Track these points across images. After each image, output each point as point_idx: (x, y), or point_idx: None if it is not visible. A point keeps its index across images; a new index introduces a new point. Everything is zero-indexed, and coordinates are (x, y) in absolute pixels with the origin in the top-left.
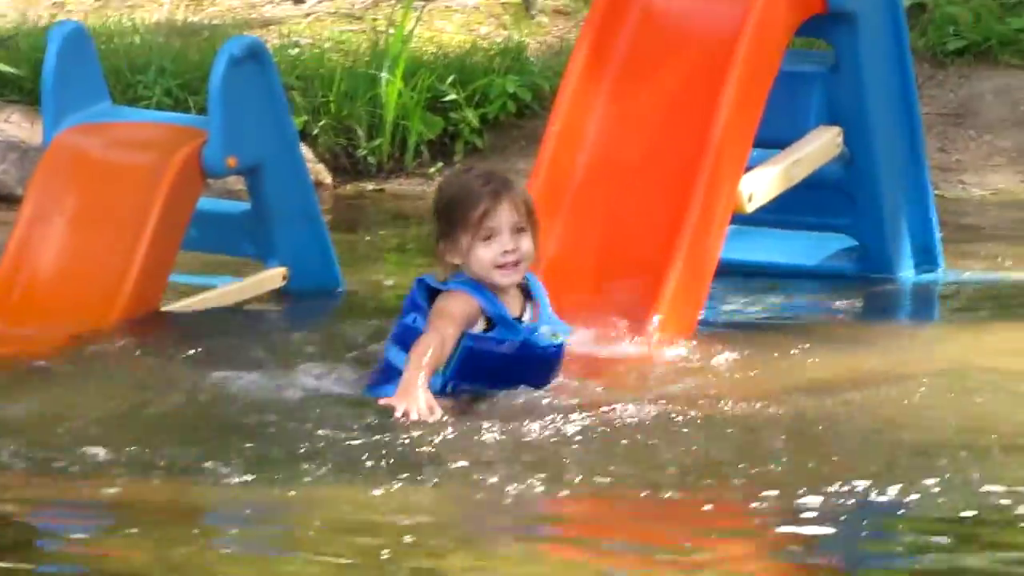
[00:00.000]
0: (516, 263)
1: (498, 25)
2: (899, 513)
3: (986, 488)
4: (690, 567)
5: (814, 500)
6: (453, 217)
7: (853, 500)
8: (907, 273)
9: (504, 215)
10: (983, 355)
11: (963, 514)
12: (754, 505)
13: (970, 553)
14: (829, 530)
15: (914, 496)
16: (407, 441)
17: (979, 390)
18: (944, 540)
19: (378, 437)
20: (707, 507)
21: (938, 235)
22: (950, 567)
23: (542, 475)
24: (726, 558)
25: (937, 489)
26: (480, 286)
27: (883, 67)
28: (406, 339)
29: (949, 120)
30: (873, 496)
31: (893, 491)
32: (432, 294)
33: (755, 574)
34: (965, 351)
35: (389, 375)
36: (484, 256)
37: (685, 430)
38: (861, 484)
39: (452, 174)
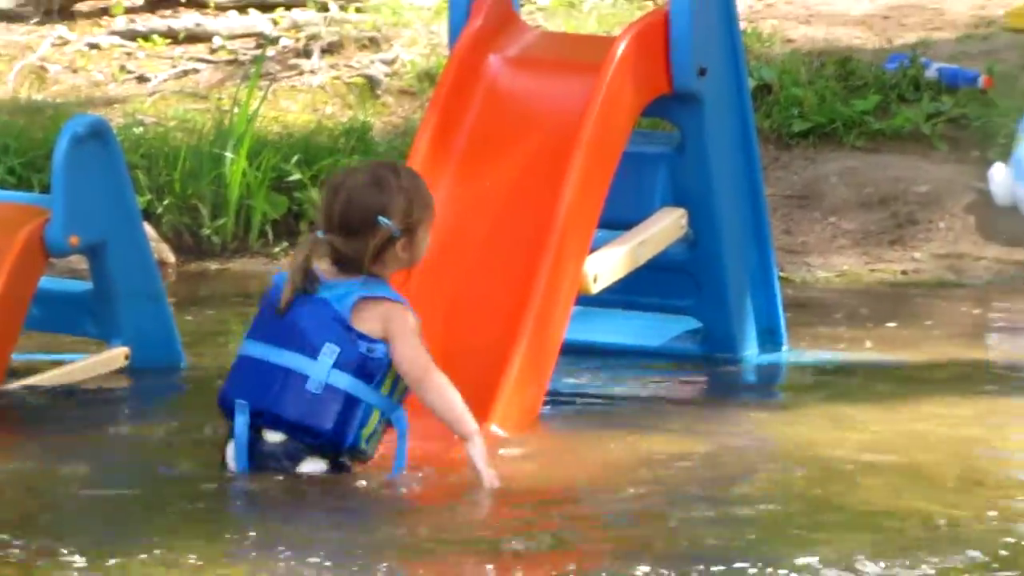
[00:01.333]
0: None
1: (343, 105)
2: None
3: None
4: None
5: None
6: (421, 212)
7: None
8: (751, 354)
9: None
10: (824, 435)
11: None
12: None
13: None
14: None
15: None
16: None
17: (819, 470)
18: None
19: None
20: None
21: (782, 317)
22: None
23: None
24: None
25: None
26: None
27: (728, 148)
28: (368, 368)
29: (794, 202)
30: None
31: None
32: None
33: None
34: (808, 431)
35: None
36: (427, 243)
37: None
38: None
39: (383, 173)
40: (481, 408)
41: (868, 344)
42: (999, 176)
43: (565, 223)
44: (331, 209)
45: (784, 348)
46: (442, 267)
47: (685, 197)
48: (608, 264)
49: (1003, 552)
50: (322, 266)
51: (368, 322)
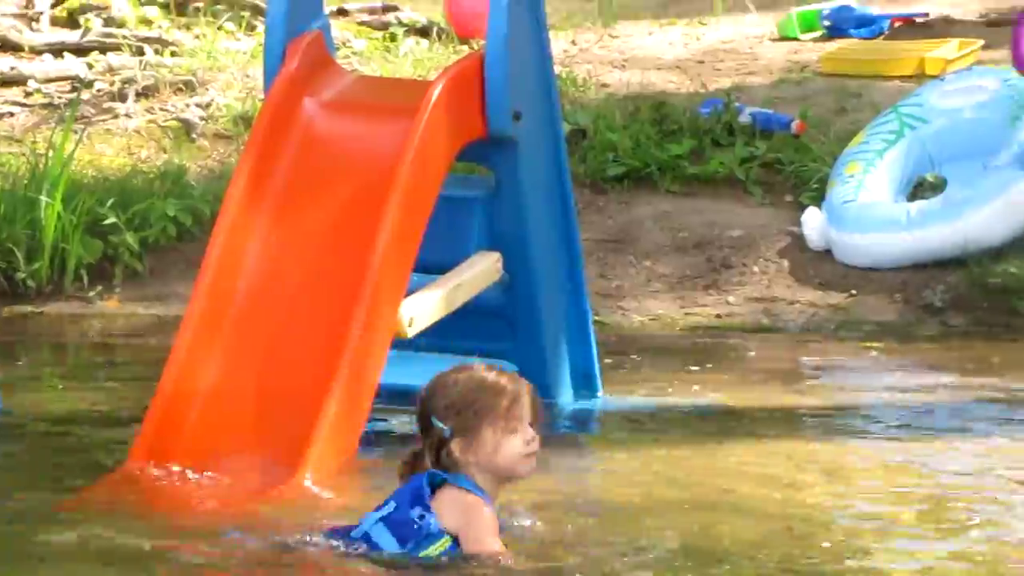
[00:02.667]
0: (535, 452)
1: (158, 149)
2: None
3: None
4: None
5: None
6: (475, 412)
7: None
8: (566, 399)
9: (526, 405)
10: (637, 480)
11: None
12: None
13: None
14: None
15: None
16: None
17: (630, 515)
18: None
19: None
20: None
21: (597, 362)
22: None
23: None
24: None
25: None
26: (480, 488)
27: (543, 193)
28: (402, 532)
29: (609, 246)
30: None
31: None
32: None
33: None
34: (623, 477)
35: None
36: (515, 447)
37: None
38: None
39: (451, 373)
40: (296, 453)
41: (682, 388)
42: (813, 221)
43: (380, 266)
44: None
45: (599, 393)
46: (257, 312)
47: (500, 241)
48: (423, 307)
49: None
50: None
51: (445, 507)
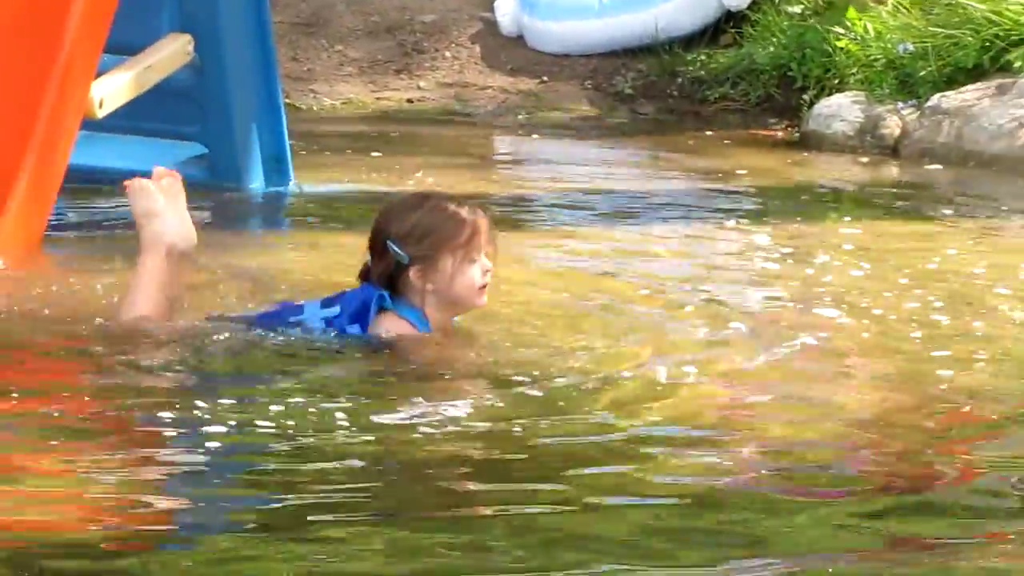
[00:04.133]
0: (487, 284)
1: None
2: None
3: None
4: None
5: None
6: (435, 240)
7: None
8: (257, 183)
9: (484, 237)
10: (327, 260)
11: None
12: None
13: None
14: None
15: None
16: None
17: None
18: None
19: None
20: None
21: (288, 145)
22: None
23: None
24: None
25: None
26: (425, 319)
27: None
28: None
29: (301, 29)
30: None
31: None
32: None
33: None
34: (312, 259)
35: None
36: (473, 277)
37: None
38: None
39: (411, 200)
40: None
41: (372, 174)
42: (505, 7)
43: (71, 48)
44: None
45: (291, 179)
46: None
47: (192, 23)
48: (114, 88)
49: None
50: None
51: (383, 330)
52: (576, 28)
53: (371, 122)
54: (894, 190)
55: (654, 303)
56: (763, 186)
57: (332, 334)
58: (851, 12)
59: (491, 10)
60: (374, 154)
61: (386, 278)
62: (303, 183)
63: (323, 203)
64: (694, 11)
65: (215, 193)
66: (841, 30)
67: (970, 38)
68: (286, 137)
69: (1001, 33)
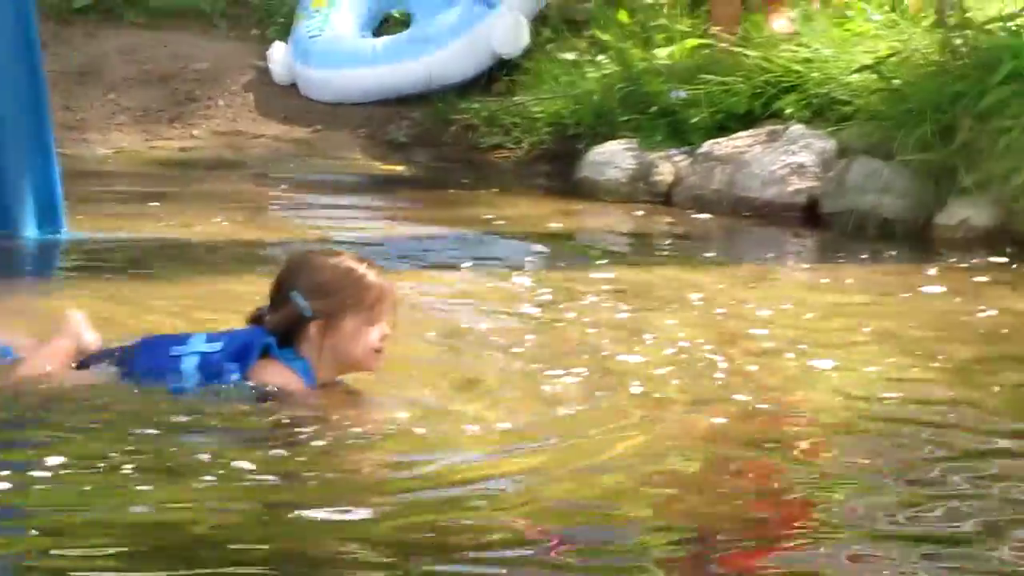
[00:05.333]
0: (383, 349)
1: None
2: None
3: None
4: None
5: None
6: (341, 300)
7: None
8: (30, 232)
9: (388, 303)
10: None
11: None
12: None
13: None
14: None
15: None
16: None
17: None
18: None
19: None
20: None
21: (60, 194)
22: None
23: None
24: None
25: None
26: (312, 372)
27: (7, 23)
28: (208, 374)
29: (74, 78)
30: None
31: None
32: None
33: None
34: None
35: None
36: (370, 340)
37: None
38: None
39: (321, 256)
40: None
41: (146, 222)
42: (278, 54)
43: None
44: (273, 282)
45: (63, 226)
46: None
47: None
48: None
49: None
50: None
51: (266, 376)
52: (349, 76)
53: (145, 173)
54: (663, 239)
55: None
56: (530, 233)
57: (213, 386)
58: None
59: (264, 58)
60: (146, 203)
61: (283, 328)
62: (76, 231)
63: (95, 251)
64: (467, 59)
65: None
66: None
67: (742, 84)
68: (58, 186)
69: (772, 80)
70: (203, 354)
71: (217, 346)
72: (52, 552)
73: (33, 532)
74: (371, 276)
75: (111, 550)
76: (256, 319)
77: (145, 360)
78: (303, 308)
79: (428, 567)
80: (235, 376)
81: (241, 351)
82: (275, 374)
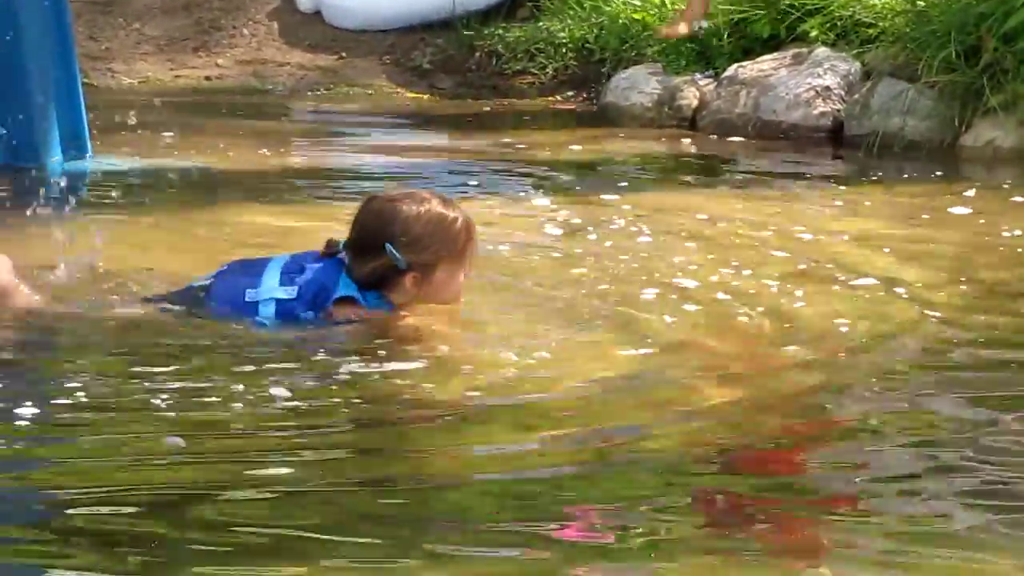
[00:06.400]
0: None
1: None
2: None
3: None
4: None
5: None
6: (437, 251)
7: None
8: (56, 160)
9: (474, 243)
10: (129, 240)
11: None
12: None
13: None
14: None
15: None
16: None
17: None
18: None
19: None
20: None
21: (87, 123)
22: None
23: None
24: None
25: None
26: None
27: None
28: (287, 319)
29: (98, 8)
30: None
31: None
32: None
33: None
34: (110, 237)
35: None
36: (459, 283)
37: None
38: None
39: (407, 202)
40: None
41: (171, 150)
42: None
43: None
44: (353, 224)
45: (89, 155)
46: None
47: None
48: None
49: None
50: None
51: (342, 316)
52: (373, 3)
53: (170, 101)
54: (691, 160)
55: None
56: (561, 160)
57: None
58: None
59: None
60: (172, 131)
61: (372, 273)
62: (101, 158)
63: (121, 179)
64: None
65: (11, 172)
66: (638, 2)
67: (764, 9)
68: (84, 115)
69: (796, 3)
70: (279, 301)
71: (292, 292)
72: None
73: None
74: (460, 221)
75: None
76: (330, 253)
77: (221, 304)
78: (399, 261)
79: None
80: (314, 322)
81: (318, 294)
82: (357, 314)
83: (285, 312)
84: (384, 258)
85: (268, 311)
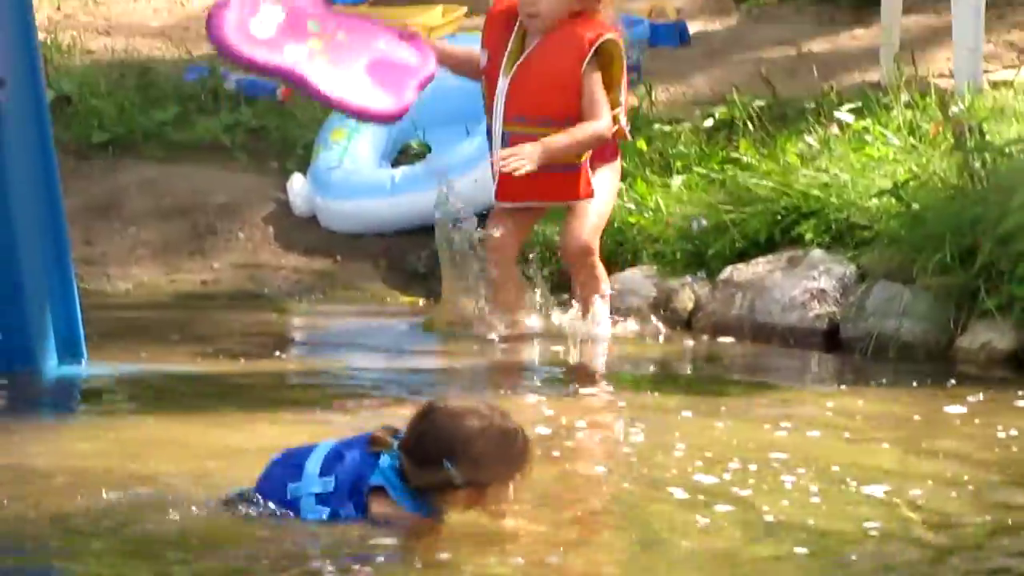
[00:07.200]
0: None
1: None
2: None
3: None
4: None
5: None
6: (495, 473)
7: None
8: (51, 365)
9: (530, 464)
10: (129, 449)
11: None
12: None
13: None
14: None
15: None
16: None
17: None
18: None
19: None
20: None
21: (82, 328)
22: None
23: None
24: None
25: None
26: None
27: (26, 159)
28: (331, 512)
29: (94, 213)
30: None
31: None
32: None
33: None
34: (109, 445)
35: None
36: (507, 496)
37: None
38: None
39: (469, 417)
40: None
41: (169, 355)
42: (298, 186)
43: None
44: (411, 431)
45: (84, 360)
46: None
47: None
48: None
49: None
50: None
51: (379, 512)
52: (368, 207)
53: (165, 305)
54: (686, 363)
55: None
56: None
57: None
58: (640, 187)
59: (284, 191)
60: (168, 336)
61: (425, 479)
62: (96, 363)
63: (117, 385)
64: (489, 185)
65: (6, 377)
66: (632, 205)
67: (760, 212)
68: (79, 319)
69: (790, 206)
70: (318, 496)
71: (330, 483)
72: None
73: None
74: (520, 440)
75: None
76: (378, 444)
77: (267, 496)
78: (455, 478)
79: None
80: (353, 515)
81: (355, 485)
82: (396, 515)
83: (325, 504)
84: (442, 471)
85: (308, 505)
